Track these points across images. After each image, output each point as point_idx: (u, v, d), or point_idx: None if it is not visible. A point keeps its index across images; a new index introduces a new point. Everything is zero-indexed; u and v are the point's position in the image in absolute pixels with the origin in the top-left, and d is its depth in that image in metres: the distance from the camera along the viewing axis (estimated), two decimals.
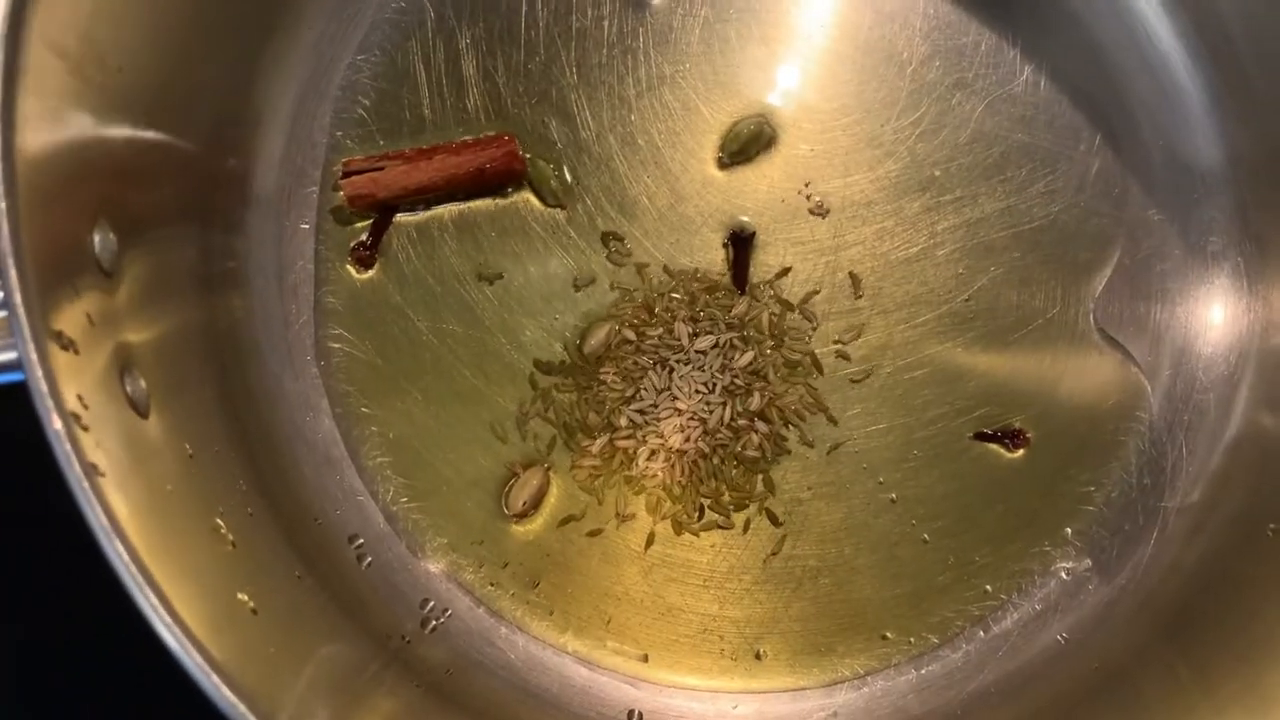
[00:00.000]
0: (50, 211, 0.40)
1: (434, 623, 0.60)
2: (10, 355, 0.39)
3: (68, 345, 0.39)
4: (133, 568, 0.36)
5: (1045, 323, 0.64)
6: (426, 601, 0.61)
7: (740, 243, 0.63)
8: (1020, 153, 0.64)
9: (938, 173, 0.64)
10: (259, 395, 0.59)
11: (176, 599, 0.37)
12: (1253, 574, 0.57)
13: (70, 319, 0.40)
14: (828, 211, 0.64)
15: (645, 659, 0.62)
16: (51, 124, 0.42)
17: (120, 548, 0.36)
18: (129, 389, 0.44)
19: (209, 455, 0.50)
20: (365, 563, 0.60)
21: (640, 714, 0.61)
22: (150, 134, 0.51)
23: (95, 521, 0.36)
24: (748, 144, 0.63)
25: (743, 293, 0.63)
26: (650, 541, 0.62)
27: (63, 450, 0.36)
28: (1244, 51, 0.62)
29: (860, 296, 0.64)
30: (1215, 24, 0.62)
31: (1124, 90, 0.65)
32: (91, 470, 0.37)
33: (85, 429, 0.37)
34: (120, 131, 0.48)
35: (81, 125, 0.45)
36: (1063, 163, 0.64)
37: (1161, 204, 0.64)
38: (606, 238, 0.63)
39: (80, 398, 0.39)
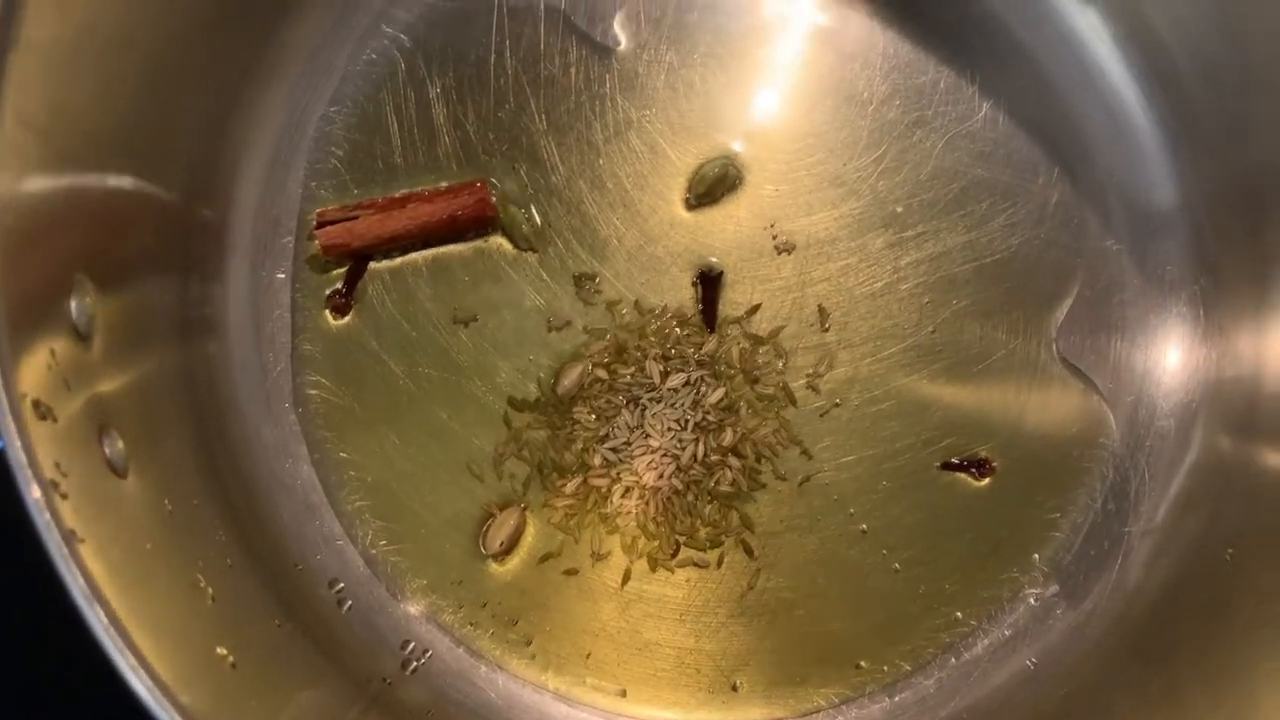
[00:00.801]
0: (25, 278, 0.41)
1: (414, 664, 0.61)
2: None
3: (45, 414, 0.40)
4: (112, 631, 0.37)
5: (1008, 354, 0.65)
6: (407, 643, 0.62)
7: (708, 282, 0.65)
8: (980, 188, 0.66)
9: (900, 209, 0.66)
10: (237, 445, 0.60)
11: (156, 660, 0.38)
12: (1213, 596, 0.59)
13: (48, 387, 0.41)
14: (793, 249, 0.65)
15: (624, 694, 0.63)
16: (25, 192, 0.43)
17: (100, 613, 0.37)
18: (107, 450, 0.45)
19: (188, 509, 0.51)
20: (345, 606, 0.61)
21: None
22: (126, 186, 0.52)
23: (75, 587, 0.37)
24: (713, 185, 0.65)
25: (712, 331, 0.64)
26: (626, 578, 0.63)
27: (42, 519, 0.37)
28: (1192, 88, 0.63)
29: (827, 330, 0.65)
30: (1165, 62, 0.64)
31: (1079, 125, 0.66)
32: (71, 537, 0.38)
33: (64, 496, 0.38)
34: (94, 187, 0.49)
35: (55, 187, 0.46)
36: (1022, 196, 0.66)
37: (1119, 235, 0.66)
38: (578, 279, 0.65)
39: (58, 465, 0.40)
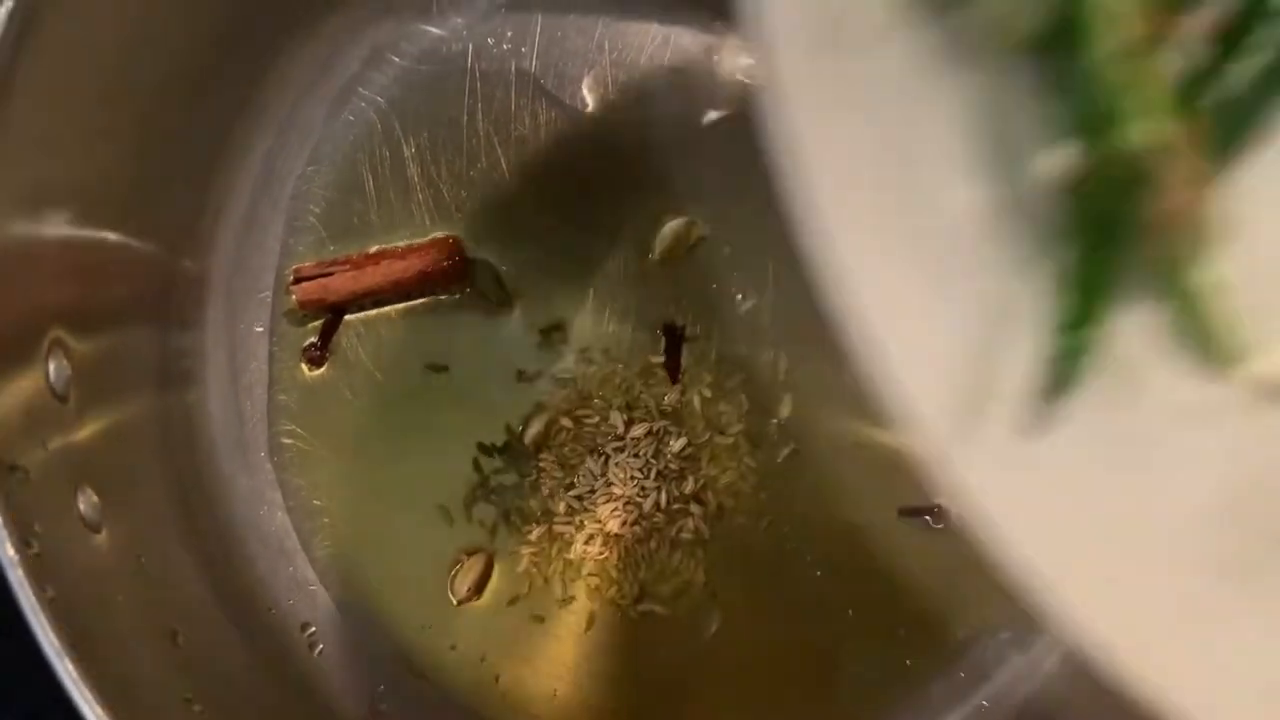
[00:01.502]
0: (4, 345, 0.44)
1: (382, 707, 0.63)
2: None
3: (22, 475, 0.42)
4: (83, 687, 0.39)
5: None
6: (377, 685, 0.64)
7: (672, 335, 0.67)
8: None
9: None
10: (212, 493, 0.62)
11: (125, 714, 0.40)
12: None
13: (25, 449, 0.43)
14: (758, 304, 0.67)
15: None
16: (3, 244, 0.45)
17: (71, 668, 0.39)
18: (81, 506, 0.47)
19: (161, 560, 0.53)
20: (317, 650, 0.63)
21: None
22: (108, 239, 0.54)
23: (47, 644, 0.39)
24: (676, 243, 0.67)
25: (675, 382, 0.67)
26: (591, 623, 0.65)
27: (16, 577, 0.39)
28: None
29: (786, 379, 0.67)
30: None
31: None
32: (43, 595, 0.40)
33: (38, 555, 0.40)
34: (76, 238, 0.52)
35: (36, 239, 0.48)
36: None
37: None
38: (546, 331, 0.67)
39: (32, 523, 0.42)
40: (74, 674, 0.39)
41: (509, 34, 0.68)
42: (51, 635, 0.39)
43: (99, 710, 0.39)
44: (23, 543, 0.40)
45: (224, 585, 0.58)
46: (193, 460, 0.61)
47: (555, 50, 0.68)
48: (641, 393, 0.66)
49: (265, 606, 0.62)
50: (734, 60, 0.69)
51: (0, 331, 0.43)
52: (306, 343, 0.65)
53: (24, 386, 0.45)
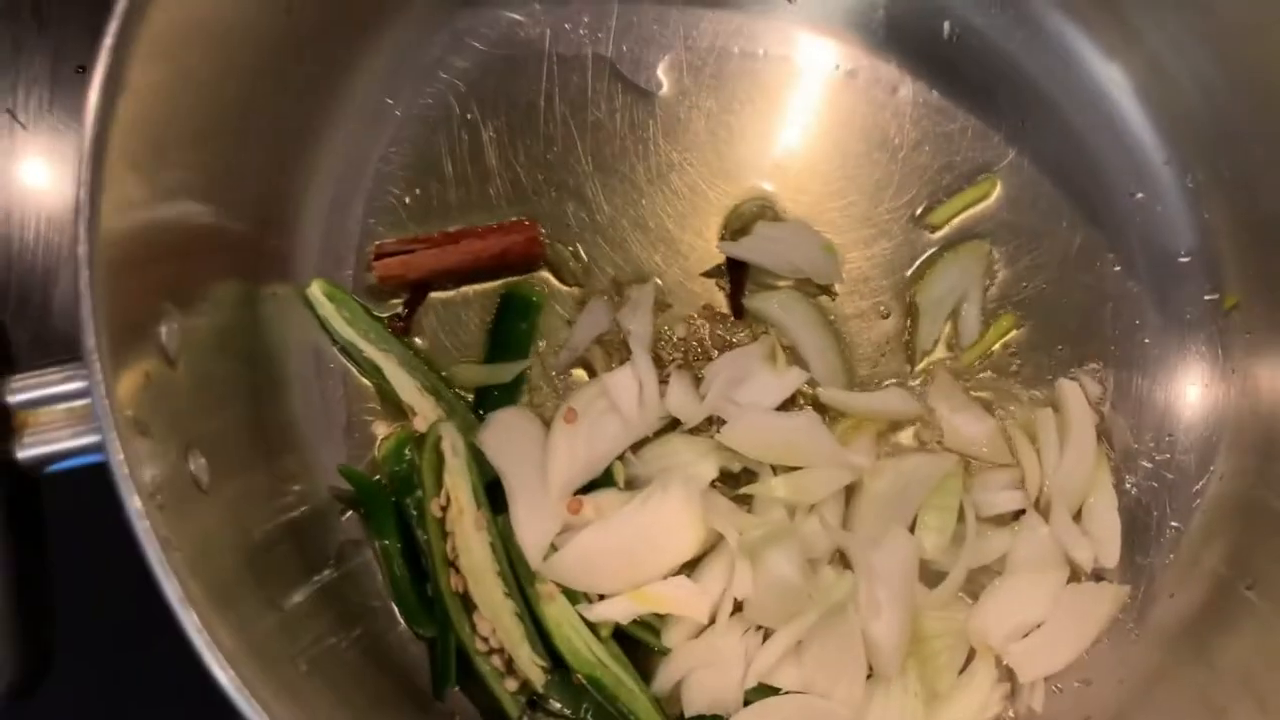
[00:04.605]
0: (124, 305, 0.45)
1: None
2: (93, 438, 0.43)
3: (144, 430, 0.43)
4: (207, 635, 0.40)
5: (1032, 392, 0.68)
6: None
7: (735, 266, 0.67)
8: (1006, 230, 0.69)
9: (928, 250, 0.69)
10: (295, 467, 0.63)
11: (246, 669, 0.41)
12: (1227, 631, 0.61)
13: (144, 405, 0.44)
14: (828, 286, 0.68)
15: None
16: (125, 227, 0.46)
17: (195, 618, 0.40)
18: (192, 466, 0.48)
19: (259, 525, 0.54)
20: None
21: None
22: (207, 219, 0.56)
23: (171, 594, 0.40)
24: (749, 223, 0.68)
25: (739, 318, 0.67)
26: None
27: (142, 527, 0.40)
28: (1212, 137, 0.66)
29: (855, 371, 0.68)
30: (1186, 112, 0.67)
31: (1102, 172, 0.70)
32: (167, 544, 0.40)
33: (161, 508, 0.41)
34: (181, 220, 0.53)
35: (150, 221, 0.49)
36: (1046, 239, 0.69)
37: (1140, 278, 0.69)
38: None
39: (154, 478, 0.43)
40: (198, 623, 0.40)
41: (586, 19, 0.69)
42: (175, 584, 0.40)
43: (220, 658, 0.40)
44: (149, 495, 0.41)
45: (313, 554, 0.59)
46: (281, 432, 0.62)
47: (631, 35, 0.69)
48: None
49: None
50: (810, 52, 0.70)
51: (128, 304, 0.45)
52: (390, 314, 0.66)
53: (143, 351, 0.46)
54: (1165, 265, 0.69)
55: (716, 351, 0.67)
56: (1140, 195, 0.69)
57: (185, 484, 0.47)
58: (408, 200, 0.67)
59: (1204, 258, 0.69)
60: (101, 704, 0.63)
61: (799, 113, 0.70)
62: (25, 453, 0.45)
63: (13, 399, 0.45)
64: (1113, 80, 0.70)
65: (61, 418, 0.45)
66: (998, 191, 0.69)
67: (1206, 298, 0.68)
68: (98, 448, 0.42)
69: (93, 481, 0.42)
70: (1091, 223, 0.69)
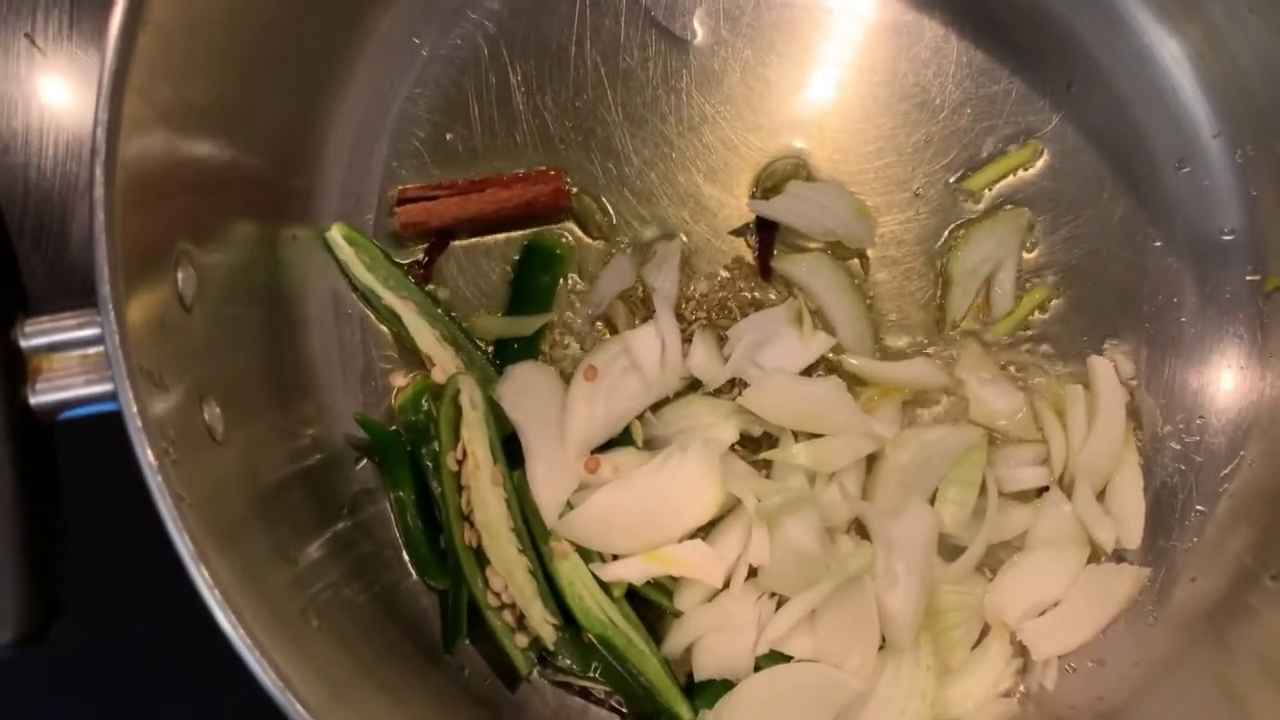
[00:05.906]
0: (139, 242, 0.43)
1: None
2: (106, 387, 0.42)
3: (158, 383, 0.42)
4: (217, 592, 0.39)
5: (1063, 365, 0.66)
6: None
7: (765, 226, 0.66)
8: (1045, 198, 0.67)
9: (966, 216, 0.67)
10: (311, 412, 0.62)
11: (253, 619, 0.40)
12: (1250, 617, 0.60)
13: (160, 355, 0.43)
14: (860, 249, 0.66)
15: None
16: (144, 164, 0.45)
17: (205, 571, 0.39)
18: (206, 416, 0.47)
19: (272, 475, 0.54)
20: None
21: None
22: (225, 155, 0.54)
23: (183, 548, 0.39)
24: (781, 182, 0.66)
25: (766, 278, 0.66)
26: None
27: (155, 481, 0.39)
28: (1268, 115, 0.64)
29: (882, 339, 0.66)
30: (1242, 88, 0.65)
31: (1149, 144, 0.67)
32: (180, 500, 0.40)
33: (174, 461, 0.41)
34: (199, 155, 0.52)
35: (167, 156, 0.48)
36: (1086, 209, 0.67)
37: (1181, 254, 0.67)
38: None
39: (167, 429, 0.42)
40: (207, 578, 0.40)
41: None
42: (187, 540, 0.40)
43: (228, 612, 0.40)
44: (162, 449, 0.40)
45: (327, 503, 0.59)
46: (297, 376, 0.61)
47: None
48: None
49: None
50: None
51: (146, 245, 0.44)
52: (410, 261, 0.65)
53: (159, 296, 0.45)
54: (1207, 242, 0.67)
55: (740, 311, 0.65)
56: (1187, 169, 0.67)
57: (199, 434, 0.46)
58: (432, 144, 0.66)
59: (1248, 236, 0.67)
60: (111, 650, 0.63)
61: (837, 68, 0.68)
62: (38, 398, 0.44)
63: (27, 343, 0.44)
64: (1166, 47, 0.67)
65: (76, 364, 0.44)
66: (1041, 159, 0.67)
67: (1248, 278, 0.66)
68: (111, 396, 0.41)
69: (108, 427, 0.42)
70: (1134, 195, 0.67)
